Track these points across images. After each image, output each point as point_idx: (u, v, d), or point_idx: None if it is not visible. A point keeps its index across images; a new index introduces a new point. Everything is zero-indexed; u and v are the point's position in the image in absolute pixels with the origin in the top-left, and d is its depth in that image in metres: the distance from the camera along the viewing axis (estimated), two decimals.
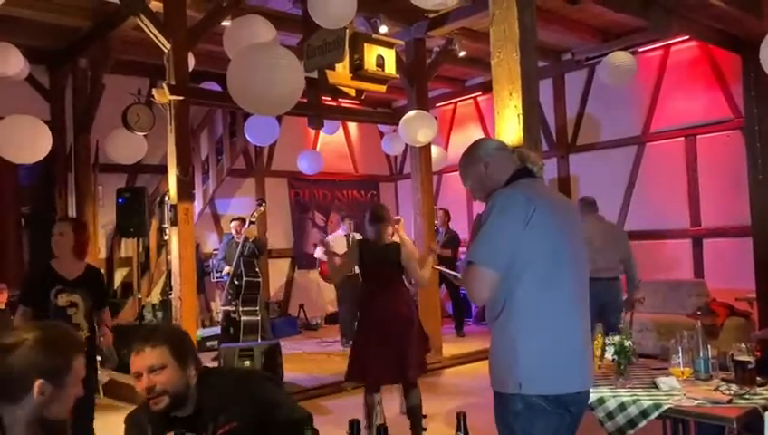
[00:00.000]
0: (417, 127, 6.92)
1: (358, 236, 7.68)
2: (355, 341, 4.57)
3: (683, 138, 8.05)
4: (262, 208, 7.77)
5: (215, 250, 9.38)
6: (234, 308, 7.44)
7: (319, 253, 8.75)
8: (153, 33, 5.91)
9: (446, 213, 9.41)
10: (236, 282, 7.47)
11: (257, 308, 7.58)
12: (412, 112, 7.11)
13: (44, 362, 1.60)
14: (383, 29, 6.89)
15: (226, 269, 7.65)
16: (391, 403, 5.12)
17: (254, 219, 7.62)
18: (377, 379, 4.45)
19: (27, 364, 1.59)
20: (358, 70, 6.17)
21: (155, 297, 8.38)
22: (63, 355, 1.65)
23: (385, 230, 4.47)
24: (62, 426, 1.71)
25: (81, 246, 3.91)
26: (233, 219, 8.14)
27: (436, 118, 7.62)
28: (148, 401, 2.06)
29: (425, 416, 4.55)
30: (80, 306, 3.81)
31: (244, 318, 7.39)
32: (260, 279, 7.78)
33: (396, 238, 4.57)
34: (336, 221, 8.85)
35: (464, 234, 10.31)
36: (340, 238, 8.22)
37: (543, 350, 2.23)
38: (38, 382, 1.58)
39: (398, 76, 6.71)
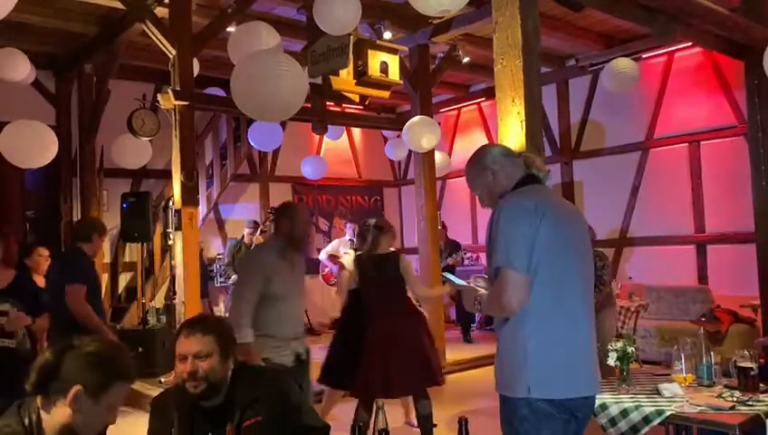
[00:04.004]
0: (420, 132, 6.93)
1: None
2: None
3: (687, 144, 8.05)
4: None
5: (218, 255, 9.40)
6: None
7: (324, 257, 8.78)
8: (158, 39, 5.94)
9: (444, 227, 9.42)
10: None
11: None
12: (416, 118, 7.12)
13: (88, 372, 1.69)
14: (387, 35, 6.91)
15: (234, 277, 7.62)
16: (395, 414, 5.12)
17: (266, 229, 7.63)
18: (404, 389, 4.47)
19: (74, 368, 1.69)
20: (362, 76, 6.19)
21: (159, 302, 8.40)
22: (107, 374, 1.73)
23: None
24: None
25: (10, 255, 3.93)
26: (251, 221, 8.14)
27: (439, 123, 7.64)
28: (184, 385, 2.13)
29: (435, 425, 4.53)
30: (11, 315, 3.75)
31: None
32: None
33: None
34: (342, 226, 8.89)
35: (467, 240, 10.35)
36: (345, 242, 8.26)
37: (554, 354, 2.25)
38: (76, 388, 1.66)
39: (401, 82, 6.74)
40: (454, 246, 9.15)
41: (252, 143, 8.17)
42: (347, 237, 8.44)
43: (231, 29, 6.28)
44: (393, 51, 6.42)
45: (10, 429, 1.68)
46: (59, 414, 1.68)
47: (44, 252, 5.26)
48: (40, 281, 4.79)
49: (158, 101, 6.19)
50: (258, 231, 7.62)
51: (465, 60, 8.02)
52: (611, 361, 3.24)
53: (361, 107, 7.64)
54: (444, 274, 2.75)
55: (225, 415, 2.16)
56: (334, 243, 9.02)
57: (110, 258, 8.64)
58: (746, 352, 3.03)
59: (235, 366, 2.24)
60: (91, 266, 4.44)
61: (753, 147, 6.14)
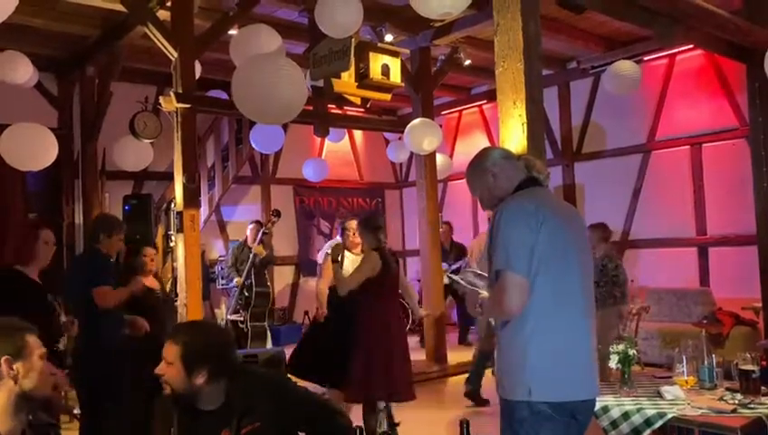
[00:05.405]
0: (422, 135, 6.93)
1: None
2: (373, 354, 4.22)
3: (688, 146, 8.04)
4: (276, 220, 7.74)
5: (220, 257, 9.40)
6: (241, 318, 7.45)
7: (322, 258, 8.76)
8: (160, 42, 5.95)
9: (450, 227, 9.39)
10: (246, 293, 7.48)
11: (265, 323, 7.64)
12: (417, 120, 7.13)
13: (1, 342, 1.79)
14: (389, 38, 6.92)
15: (237, 280, 7.64)
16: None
17: (267, 231, 7.62)
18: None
19: None
20: (363, 78, 6.20)
21: None
22: (14, 334, 1.83)
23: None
24: (49, 400, 1.85)
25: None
26: (252, 222, 8.15)
27: (441, 126, 7.64)
28: None
29: (397, 424, 4.29)
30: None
31: (251, 323, 7.43)
32: (270, 290, 7.80)
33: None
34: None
35: (468, 242, 10.33)
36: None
37: (554, 356, 2.25)
38: (3, 359, 1.75)
39: (403, 85, 6.74)
40: (459, 250, 9.13)
41: (253, 145, 8.17)
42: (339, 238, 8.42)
43: (233, 32, 6.29)
44: (395, 53, 6.43)
45: None
46: (3, 395, 1.74)
47: (150, 252, 5.06)
48: (149, 282, 4.78)
49: (159, 104, 6.20)
50: (260, 235, 7.57)
51: (467, 62, 8.02)
52: (613, 363, 3.24)
53: (363, 109, 7.65)
54: (449, 275, 2.75)
55: (223, 420, 2.17)
56: (330, 243, 9.00)
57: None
58: (748, 355, 3.03)
59: (233, 373, 2.24)
60: (108, 265, 4.31)
61: (754, 149, 6.14)
